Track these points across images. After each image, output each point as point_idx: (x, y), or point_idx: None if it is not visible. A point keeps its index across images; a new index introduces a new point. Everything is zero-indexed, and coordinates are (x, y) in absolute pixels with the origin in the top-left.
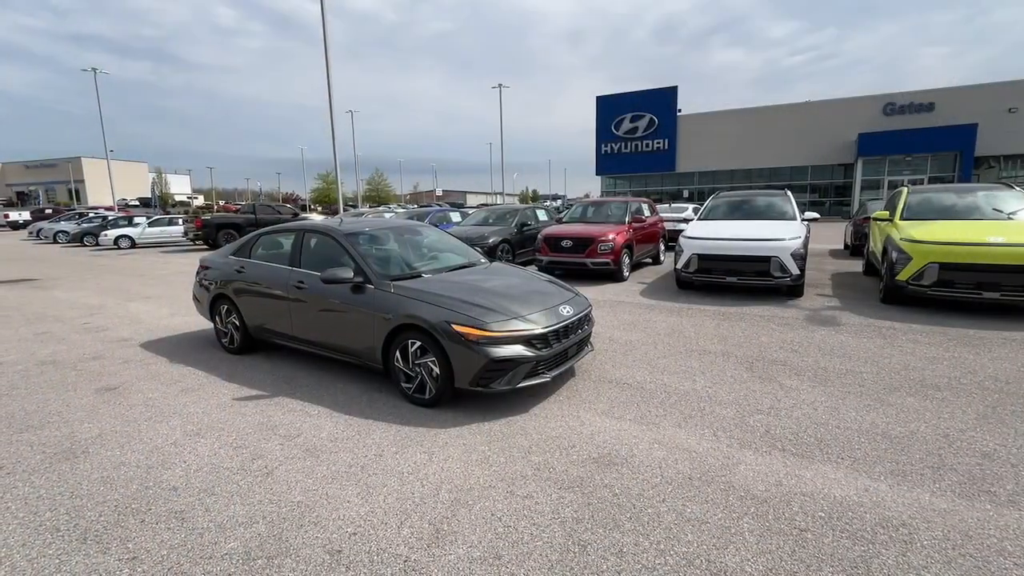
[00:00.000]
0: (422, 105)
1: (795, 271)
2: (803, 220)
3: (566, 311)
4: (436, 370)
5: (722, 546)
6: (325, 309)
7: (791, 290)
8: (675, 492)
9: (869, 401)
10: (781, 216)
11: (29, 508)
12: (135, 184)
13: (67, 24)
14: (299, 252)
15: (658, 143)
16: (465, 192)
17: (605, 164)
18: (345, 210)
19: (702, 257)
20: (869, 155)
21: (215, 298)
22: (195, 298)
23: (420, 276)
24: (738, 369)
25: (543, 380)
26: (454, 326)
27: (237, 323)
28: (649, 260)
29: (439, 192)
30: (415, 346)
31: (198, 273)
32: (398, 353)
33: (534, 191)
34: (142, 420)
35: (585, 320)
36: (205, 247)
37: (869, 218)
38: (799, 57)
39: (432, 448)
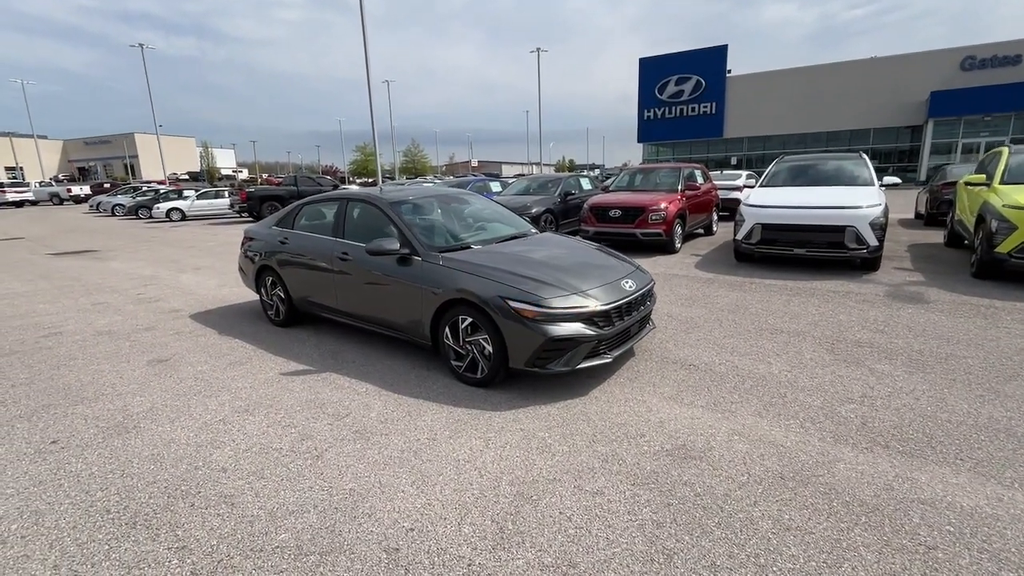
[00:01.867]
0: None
1: (873, 242)
2: (881, 186)
3: (628, 286)
4: (488, 348)
5: (834, 564)
6: (370, 282)
7: (866, 263)
8: (767, 494)
9: (981, 391)
10: (855, 181)
11: (81, 487)
12: (184, 158)
13: (116, 2)
14: (342, 222)
15: (705, 107)
16: (500, 163)
17: (648, 131)
18: (384, 182)
19: (766, 227)
20: (942, 115)
21: (260, 270)
22: (240, 270)
23: (469, 247)
24: (818, 351)
25: (604, 361)
26: (509, 302)
27: (282, 295)
28: (701, 231)
29: (475, 163)
30: (466, 323)
31: (243, 244)
32: (447, 329)
33: (570, 161)
34: (192, 394)
35: (647, 296)
36: (250, 219)
37: (949, 184)
38: (859, 11)
39: (488, 433)
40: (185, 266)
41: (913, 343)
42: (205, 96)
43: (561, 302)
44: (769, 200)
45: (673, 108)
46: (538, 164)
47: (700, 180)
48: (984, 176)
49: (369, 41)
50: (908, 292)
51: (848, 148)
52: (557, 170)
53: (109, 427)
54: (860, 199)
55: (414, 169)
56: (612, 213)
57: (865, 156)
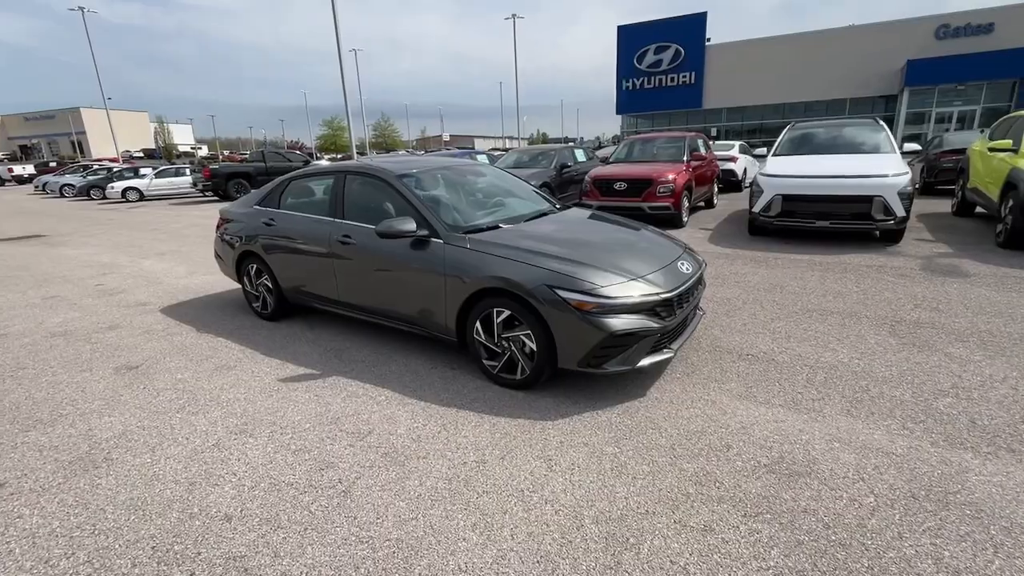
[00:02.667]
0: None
1: (901, 212)
2: (903, 153)
3: (685, 268)
4: (531, 346)
5: None
6: (380, 269)
7: (889, 235)
8: (909, 521)
9: None
10: (875, 149)
11: (38, 551)
12: (137, 135)
13: None
14: (341, 200)
15: (684, 77)
16: (473, 136)
17: (627, 102)
18: (356, 158)
19: (787, 198)
20: (917, 85)
21: (241, 256)
22: (217, 255)
23: (498, 227)
24: (880, 334)
25: (666, 357)
26: (559, 292)
27: (269, 285)
28: (702, 204)
29: (446, 137)
30: (502, 316)
31: (219, 227)
32: (479, 324)
33: (544, 134)
34: (173, 411)
35: (701, 280)
36: (216, 198)
37: (948, 152)
38: None
39: (547, 451)
40: (148, 251)
41: (977, 322)
42: (157, 68)
43: (621, 290)
44: (788, 169)
45: (652, 78)
46: (513, 138)
47: (703, 150)
48: (1011, 142)
49: (335, 6)
50: (942, 265)
51: (816, 119)
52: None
53: (72, 461)
54: (886, 167)
55: (385, 144)
56: (617, 186)
57: (882, 122)
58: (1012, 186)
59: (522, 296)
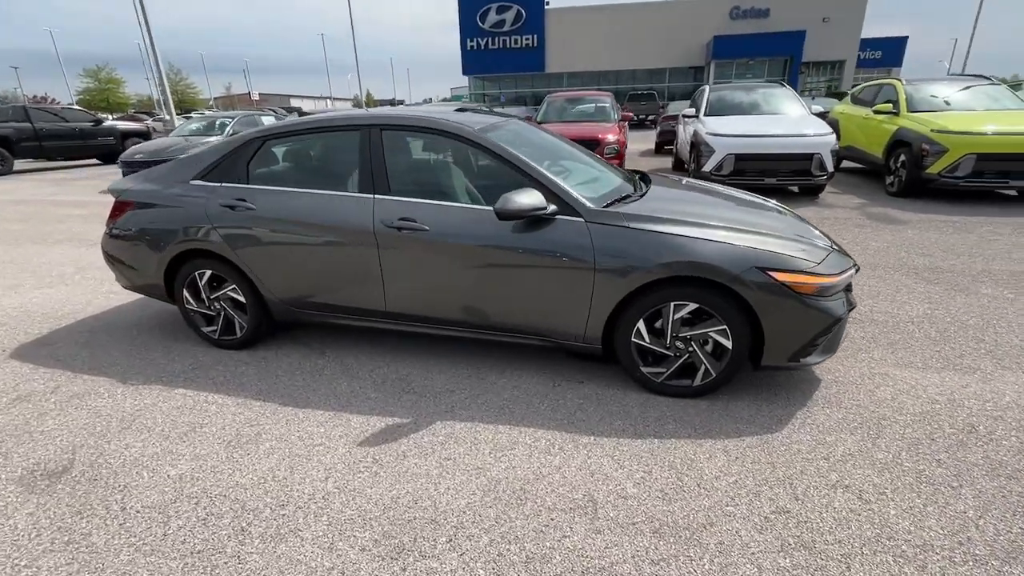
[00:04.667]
0: None
1: (831, 168)
2: (814, 114)
3: (822, 242)
4: (725, 343)
5: None
6: (474, 265)
7: (812, 190)
8: None
9: None
10: (795, 111)
11: None
12: None
13: None
14: (382, 167)
15: (527, 39)
16: (289, 96)
17: (472, 62)
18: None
19: (739, 157)
20: (721, 58)
21: (177, 258)
22: (115, 261)
23: (636, 197)
24: (918, 282)
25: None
26: (773, 273)
27: (241, 298)
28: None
29: (255, 95)
30: (683, 310)
31: (113, 218)
32: (641, 324)
33: (368, 94)
34: (232, 558)
35: None
36: None
37: (670, 117)
38: None
39: (841, 477)
40: None
41: (974, 264)
42: None
43: (830, 266)
44: (733, 129)
45: (496, 39)
46: (342, 99)
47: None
48: (890, 105)
49: None
50: (877, 214)
51: (644, 87)
52: (355, 105)
53: None
54: (818, 127)
55: (180, 102)
56: None
57: (788, 85)
58: (902, 143)
59: (722, 283)
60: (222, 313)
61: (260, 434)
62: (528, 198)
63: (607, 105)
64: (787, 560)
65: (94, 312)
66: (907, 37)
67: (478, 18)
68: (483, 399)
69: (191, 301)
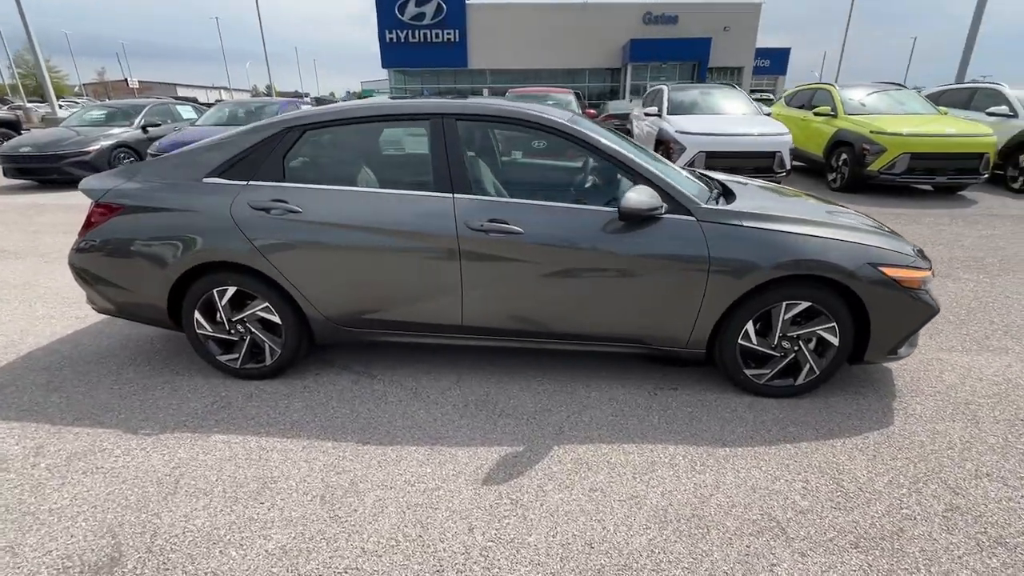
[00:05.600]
0: None
1: (788, 165)
2: (765, 114)
3: None
4: (832, 340)
5: None
6: (576, 269)
7: None
8: None
9: None
10: (749, 110)
11: None
12: None
13: None
14: (459, 163)
15: (448, 34)
16: (175, 84)
17: (392, 56)
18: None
19: (710, 155)
20: (636, 61)
21: (188, 274)
22: (88, 278)
23: (734, 195)
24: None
25: None
26: (884, 269)
27: (278, 318)
28: None
29: (134, 83)
30: (795, 309)
31: (91, 226)
32: (750, 326)
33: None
34: None
35: None
36: None
37: (611, 116)
38: None
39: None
40: None
41: (955, 252)
42: None
43: (922, 260)
44: (701, 128)
45: (416, 32)
46: (241, 90)
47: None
48: (828, 108)
49: None
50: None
51: (565, 86)
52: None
53: None
54: (777, 127)
55: (36, 89)
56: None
57: (738, 87)
58: (843, 143)
59: (838, 280)
60: (248, 337)
61: (355, 483)
62: (648, 197)
63: (572, 102)
64: (994, 560)
65: (39, 343)
66: (790, 48)
67: (397, 10)
68: (587, 416)
69: (205, 325)
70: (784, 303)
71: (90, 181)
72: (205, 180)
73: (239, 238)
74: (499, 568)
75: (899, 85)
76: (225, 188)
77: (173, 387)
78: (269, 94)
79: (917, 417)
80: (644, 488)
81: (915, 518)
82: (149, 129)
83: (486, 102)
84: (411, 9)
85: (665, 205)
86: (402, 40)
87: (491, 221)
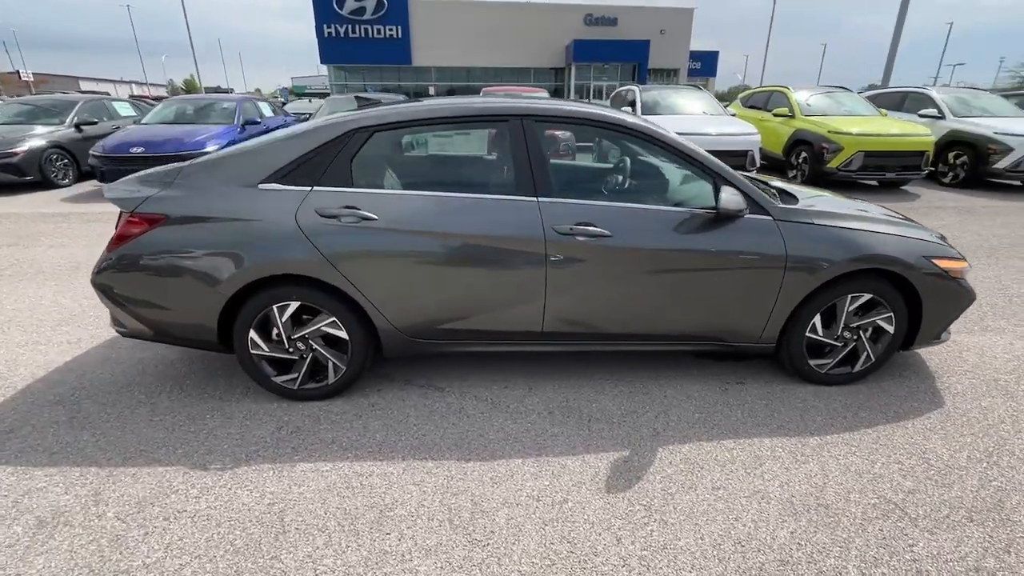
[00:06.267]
0: None
1: (758, 164)
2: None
3: None
4: (888, 329)
5: None
6: (659, 271)
7: None
8: None
9: None
10: (717, 111)
11: None
12: None
13: None
14: (541, 166)
15: (390, 30)
16: (79, 78)
17: (331, 51)
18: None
19: None
20: (580, 61)
21: (244, 291)
22: (120, 300)
23: (793, 196)
24: None
25: None
26: (936, 260)
27: (346, 333)
28: None
29: (27, 75)
30: (858, 301)
31: (124, 240)
32: (817, 318)
33: (186, 80)
34: None
35: None
36: None
37: None
38: None
39: None
40: None
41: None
42: None
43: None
44: (678, 128)
45: (357, 27)
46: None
47: None
48: (787, 110)
49: None
50: None
51: (512, 85)
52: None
53: None
54: (746, 127)
55: None
56: None
57: (706, 89)
58: (803, 142)
59: (896, 272)
60: (309, 355)
61: (477, 503)
62: (738, 197)
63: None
64: None
65: (35, 375)
66: (719, 52)
67: (335, 4)
68: (674, 415)
69: (260, 344)
70: (849, 296)
71: (117, 190)
72: (260, 186)
73: (307, 248)
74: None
75: (843, 88)
76: (287, 194)
77: (224, 414)
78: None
79: (962, 395)
80: (762, 483)
81: (1007, 489)
82: (84, 128)
83: (567, 105)
84: (350, 3)
85: (749, 205)
86: (342, 35)
87: (578, 225)
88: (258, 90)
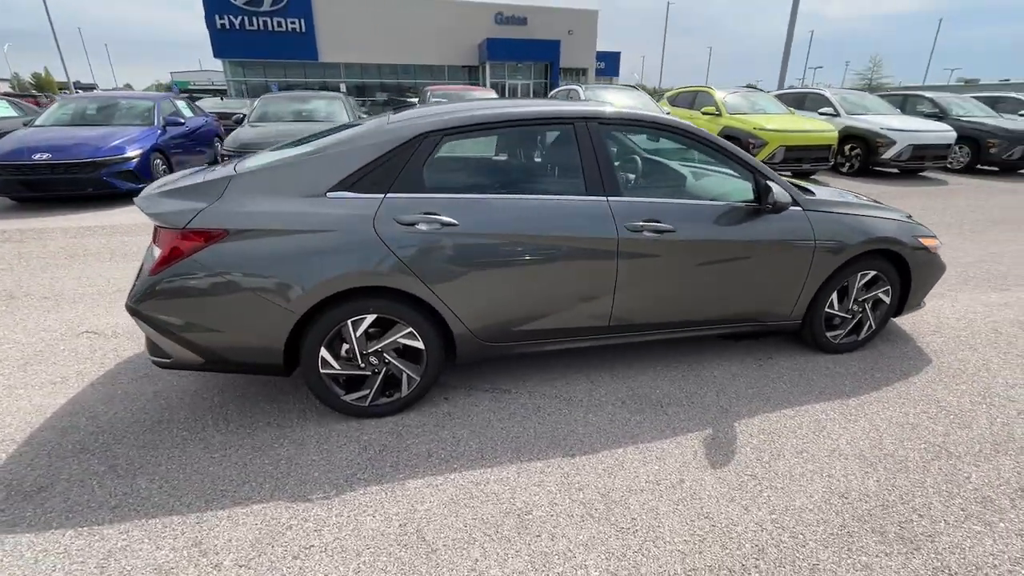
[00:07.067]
0: None
1: None
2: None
3: None
4: (886, 300)
5: None
6: (716, 262)
7: None
8: None
9: None
10: (656, 110)
11: None
12: None
13: None
14: (607, 166)
15: (292, 23)
16: None
17: (226, 44)
18: None
19: None
20: (493, 60)
21: (319, 307)
22: (167, 326)
23: (809, 189)
24: None
25: None
26: (921, 239)
27: (422, 343)
28: None
29: None
30: (866, 278)
31: (176, 258)
32: (835, 295)
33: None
34: None
35: None
36: None
37: None
38: None
39: None
40: None
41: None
42: None
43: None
44: None
45: (254, 19)
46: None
47: None
48: (714, 108)
49: None
50: None
51: (425, 82)
52: (15, 87)
53: None
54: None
55: None
56: None
57: (641, 89)
58: (731, 138)
59: (894, 251)
60: (382, 370)
61: (604, 495)
62: (785, 192)
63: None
64: None
65: (32, 423)
66: (620, 52)
67: None
68: (731, 392)
69: (331, 363)
70: (859, 274)
71: (161, 206)
72: (328, 195)
73: (389, 258)
74: (801, 534)
75: (755, 88)
76: (361, 203)
77: (293, 441)
78: (92, 88)
79: (941, 352)
80: (832, 442)
81: (1009, 423)
82: None
83: (629, 110)
84: None
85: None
86: (237, 27)
87: (646, 221)
88: (128, 85)
